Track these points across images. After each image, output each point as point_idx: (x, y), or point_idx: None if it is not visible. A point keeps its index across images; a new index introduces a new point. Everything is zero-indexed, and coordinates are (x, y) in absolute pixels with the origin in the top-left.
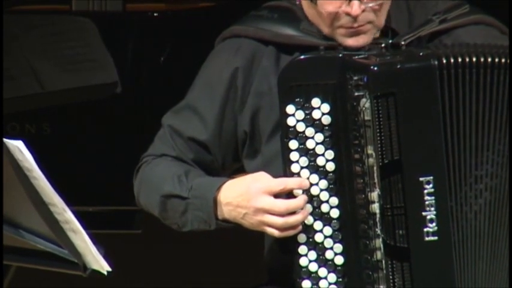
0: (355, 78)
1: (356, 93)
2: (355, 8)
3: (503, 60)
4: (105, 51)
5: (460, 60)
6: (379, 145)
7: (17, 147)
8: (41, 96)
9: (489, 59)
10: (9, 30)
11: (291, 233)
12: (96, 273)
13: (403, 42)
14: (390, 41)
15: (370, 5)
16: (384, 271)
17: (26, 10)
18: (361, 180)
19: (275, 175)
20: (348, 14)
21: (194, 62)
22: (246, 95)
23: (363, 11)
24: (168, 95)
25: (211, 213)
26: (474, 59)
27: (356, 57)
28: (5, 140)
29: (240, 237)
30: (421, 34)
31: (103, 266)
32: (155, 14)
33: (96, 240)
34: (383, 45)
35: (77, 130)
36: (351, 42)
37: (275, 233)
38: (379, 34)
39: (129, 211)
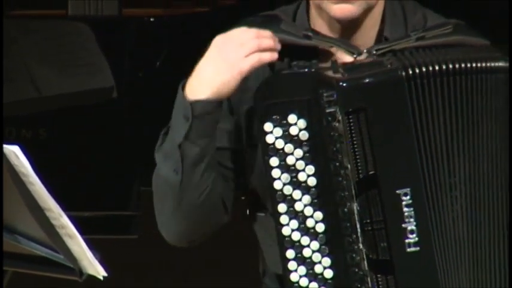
0: (326, 94)
1: (328, 110)
2: None
3: (469, 65)
4: (101, 56)
5: (425, 69)
6: (354, 160)
7: (13, 152)
8: (37, 101)
9: (455, 65)
10: (6, 34)
11: (271, 56)
12: (92, 278)
13: (374, 52)
14: (365, 51)
15: None
16: (370, 285)
17: (22, 15)
18: (342, 194)
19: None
20: None
21: (190, 66)
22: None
23: None
24: (165, 99)
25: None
26: (440, 67)
27: (328, 71)
28: None
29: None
30: (395, 48)
31: (99, 271)
32: (151, 19)
33: (92, 245)
34: (354, 56)
35: (73, 135)
36: (337, 10)
37: (254, 58)
38: (372, 36)
39: (125, 216)
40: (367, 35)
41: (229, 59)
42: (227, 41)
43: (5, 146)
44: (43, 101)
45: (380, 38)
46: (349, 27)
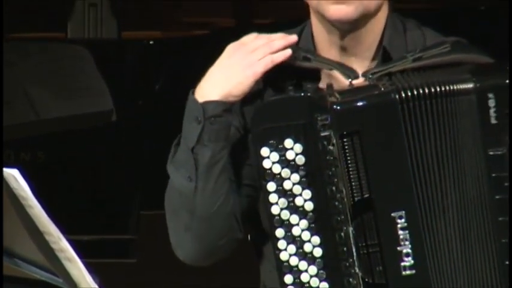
0: (321, 118)
1: (322, 133)
2: None
3: (461, 87)
4: (100, 79)
5: (415, 92)
6: (348, 184)
7: (12, 175)
8: (36, 124)
9: (447, 88)
10: (6, 57)
11: (283, 54)
12: None
13: (370, 76)
14: (361, 74)
15: None
16: None
17: (22, 38)
18: (338, 218)
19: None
20: None
21: (190, 89)
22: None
23: None
24: (164, 122)
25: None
26: (433, 89)
27: (323, 95)
28: None
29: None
30: (392, 70)
31: None
32: (151, 42)
33: (91, 268)
34: (350, 80)
35: (72, 158)
36: (333, 11)
37: (267, 60)
38: (372, 55)
39: (124, 240)
40: (366, 44)
41: (242, 63)
42: (240, 47)
43: (4, 169)
44: (42, 124)
45: (379, 48)
46: (348, 36)
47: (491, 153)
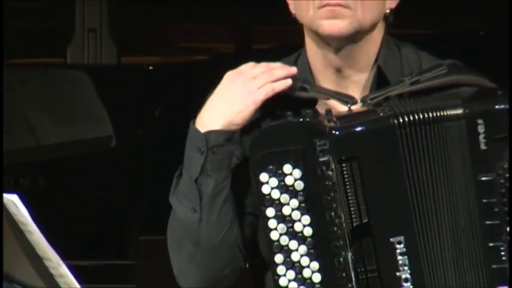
0: (319, 143)
1: (321, 159)
2: None
3: (450, 112)
4: (100, 105)
5: (413, 117)
6: (347, 209)
7: (12, 201)
8: (35, 149)
9: (437, 114)
10: (5, 83)
11: (283, 84)
12: None
13: (369, 102)
14: (359, 100)
15: None
16: None
17: (21, 63)
18: (337, 243)
19: None
20: None
21: (189, 115)
22: None
23: None
24: (164, 148)
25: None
26: (426, 115)
27: (322, 120)
28: None
29: None
30: (390, 95)
31: None
32: (150, 68)
33: None
34: (348, 106)
35: (72, 184)
36: (327, 26)
37: (268, 88)
38: (367, 76)
39: (123, 265)
40: (361, 65)
41: (242, 91)
42: (239, 75)
43: (3, 195)
44: (41, 149)
45: (374, 69)
46: (343, 55)
47: (481, 178)
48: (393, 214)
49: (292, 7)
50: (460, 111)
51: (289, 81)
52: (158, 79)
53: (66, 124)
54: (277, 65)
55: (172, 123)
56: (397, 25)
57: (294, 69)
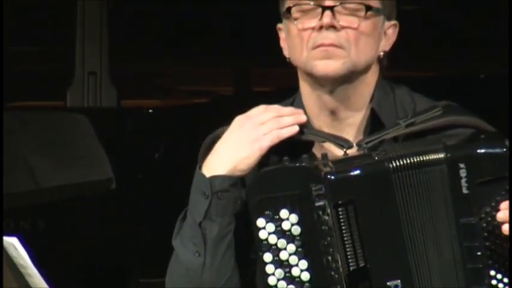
0: (315, 188)
1: (317, 203)
2: (326, 20)
3: (432, 157)
4: (99, 147)
5: (404, 161)
6: (344, 253)
7: (12, 243)
8: (35, 192)
9: (420, 158)
10: (6, 126)
11: (290, 131)
12: None
13: (364, 145)
14: (354, 144)
15: (342, 23)
16: None
17: (21, 107)
18: None
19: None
20: (321, 28)
21: (189, 158)
22: None
23: (336, 29)
24: (163, 190)
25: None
26: (413, 160)
27: (318, 165)
28: None
29: None
30: (385, 138)
31: None
32: (150, 110)
33: None
34: (344, 150)
35: (72, 226)
36: (321, 67)
37: (273, 135)
38: (361, 118)
39: None
40: (356, 107)
41: (249, 137)
42: (247, 120)
43: (3, 237)
44: (41, 192)
45: (368, 110)
46: (337, 97)
47: (462, 222)
48: (389, 258)
49: (286, 52)
50: (442, 155)
51: (296, 129)
52: (158, 122)
53: (66, 167)
54: (287, 110)
55: (171, 166)
56: (392, 67)
57: (303, 117)
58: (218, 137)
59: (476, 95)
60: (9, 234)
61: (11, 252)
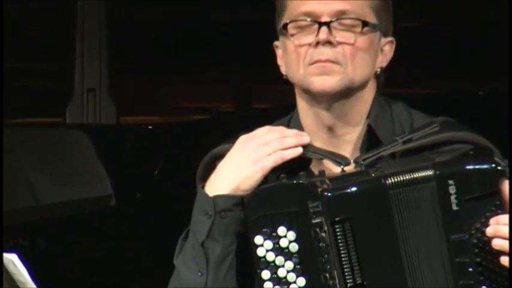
0: (312, 205)
1: (314, 221)
2: (322, 35)
3: (421, 174)
4: (99, 164)
5: (398, 179)
6: (341, 271)
7: (11, 260)
8: (35, 209)
9: (414, 175)
10: (5, 143)
11: (293, 152)
12: None
13: (362, 162)
14: (352, 161)
15: (338, 39)
16: None
17: (21, 123)
18: None
19: None
20: (317, 44)
21: (189, 174)
22: None
23: (332, 44)
24: (162, 207)
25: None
26: (404, 177)
27: (315, 182)
28: None
29: None
30: (383, 154)
31: None
32: (149, 127)
33: None
34: (342, 166)
35: (71, 243)
36: (318, 82)
37: (277, 156)
38: (358, 135)
39: None
40: (353, 124)
41: (252, 157)
42: (251, 140)
43: (3, 254)
44: (41, 209)
45: (365, 126)
46: (334, 113)
47: (453, 239)
48: (386, 275)
49: (283, 69)
50: (430, 172)
51: (299, 150)
52: (157, 139)
53: (66, 183)
54: (291, 132)
55: (171, 182)
56: (390, 84)
57: (306, 138)
58: (217, 155)
59: (475, 112)
60: (9, 251)
61: (11, 269)
